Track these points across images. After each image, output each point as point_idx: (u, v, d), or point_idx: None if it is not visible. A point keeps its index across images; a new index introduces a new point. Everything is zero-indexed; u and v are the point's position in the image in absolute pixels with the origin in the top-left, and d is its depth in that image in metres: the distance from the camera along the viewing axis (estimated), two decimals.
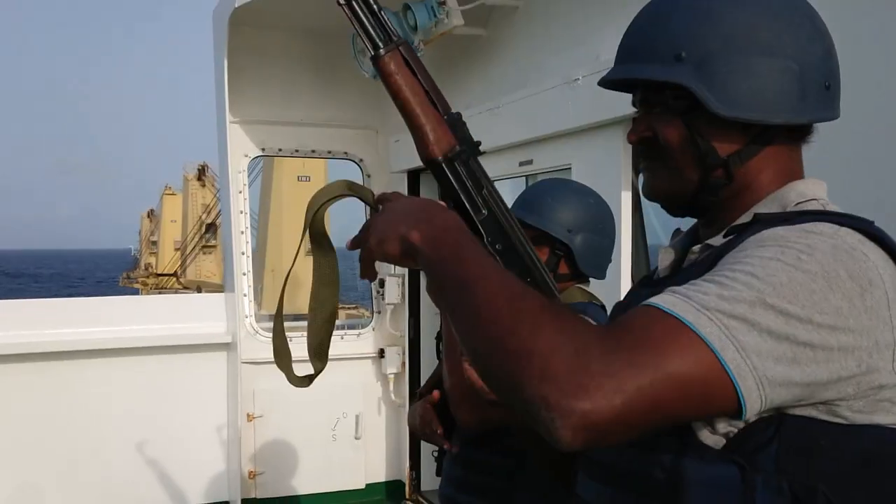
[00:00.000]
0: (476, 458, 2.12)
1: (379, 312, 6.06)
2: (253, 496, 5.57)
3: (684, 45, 1.10)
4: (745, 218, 1.11)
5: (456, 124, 1.25)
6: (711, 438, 0.99)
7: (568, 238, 2.14)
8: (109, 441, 5.32)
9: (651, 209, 5.22)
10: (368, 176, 6.16)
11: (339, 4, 1.23)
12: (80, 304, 5.79)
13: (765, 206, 1.12)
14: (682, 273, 1.12)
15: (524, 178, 4.22)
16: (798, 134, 1.15)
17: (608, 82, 1.23)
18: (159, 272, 40.08)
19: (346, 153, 6.15)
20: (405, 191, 5.76)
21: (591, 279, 2.26)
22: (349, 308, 19.79)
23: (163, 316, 5.68)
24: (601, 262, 2.23)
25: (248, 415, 5.55)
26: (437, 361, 2.30)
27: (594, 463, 1.17)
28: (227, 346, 5.63)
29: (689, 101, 1.10)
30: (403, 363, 5.93)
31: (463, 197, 1.24)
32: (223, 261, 6.94)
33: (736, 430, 0.97)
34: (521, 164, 4.15)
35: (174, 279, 35.79)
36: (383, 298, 5.92)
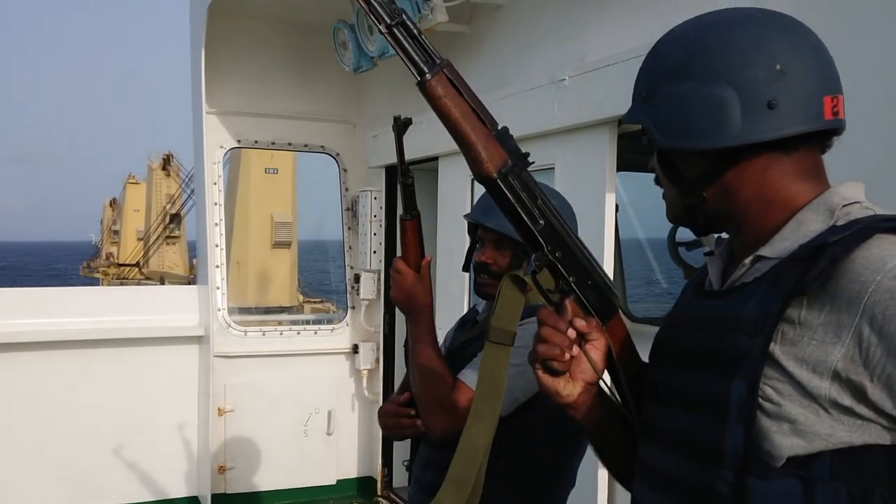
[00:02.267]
0: (447, 463, 2.10)
1: (353, 308, 6.02)
2: (223, 491, 5.52)
3: (643, 85, 1.22)
4: (795, 230, 1.13)
5: (504, 138, 1.28)
6: (773, 455, 1.03)
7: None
8: (77, 435, 5.23)
9: (630, 207, 5.28)
10: (345, 170, 6.13)
11: (382, 33, 1.25)
12: (48, 295, 5.67)
13: (811, 211, 1.14)
14: (741, 289, 1.14)
15: None
16: (785, 146, 1.15)
17: (626, 121, 1.30)
18: (121, 262, 39.45)
19: (322, 147, 6.11)
20: (382, 186, 5.74)
21: None
22: (315, 302, 19.72)
23: (133, 308, 5.59)
24: None
25: (219, 409, 5.49)
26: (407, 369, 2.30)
27: (654, 472, 1.19)
28: (198, 340, 5.57)
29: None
30: (377, 359, 5.91)
31: (521, 210, 1.28)
32: (196, 252, 6.86)
33: (798, 448, 1.02)
34: None
35: (136, 270, 35.25)
36: (358, 294, 5.89)
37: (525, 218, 1.28)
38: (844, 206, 1.12)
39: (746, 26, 1.16)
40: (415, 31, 1.25)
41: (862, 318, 1.00)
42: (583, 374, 1.26)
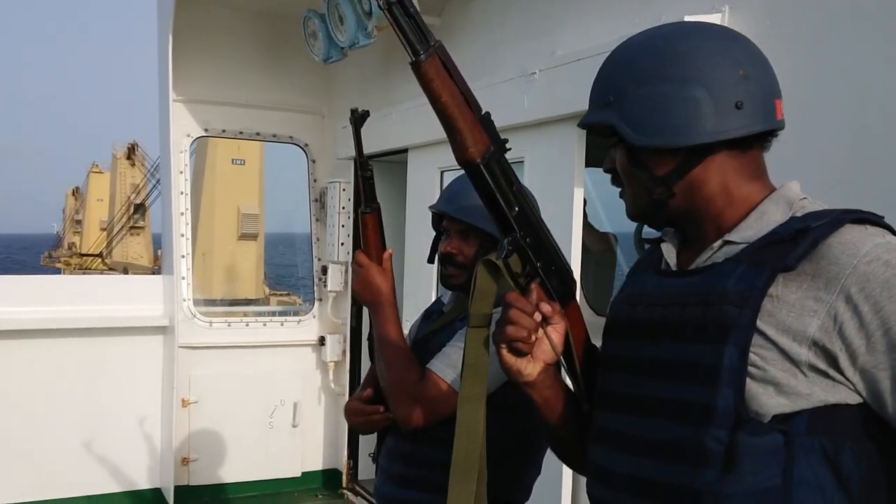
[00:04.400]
0: (416, 453, 2.11)
1: (320, 300, 6.00)
2: (186, 483, 5.47)
3: (610, 91, 1.29)
4: (758, 219, 1.25)
5: (487, 123, 1.32)
6: (760, 413, 1.14)
7: (494, 230, 2.13)
8: (39, 426, 5.16)
9: (598, 201, 5.32)
10: (313, 161, 6.09)
11: (382, 9, 1.26)
12: (10, 283, 5.57)
13: (772, 203, 1.27)
14: (713, 268, 1.24)
15: None
16: (741, 144, 1.26)
17: (585, 125, 1.38)
18: (84, 252, 38.88)
19: (291, 137, 6.07)
20: (351, 177, 5.72)
21: None
22: (281, 295, 19.61)
23: (97, 297, 5.52)
24: None
25: (184, 400, 5.44)
26: (371, 361, 2.29)
27: (623, 437, 1.29)
28: (163, 330, 5.51)
29: (619, 136, 1.29)
30: (344, 351, 5.89)
31: (499, 196, 1.33)
32: (161, 242, 6.78)
33: (783, 406, 1.14)
34: None
35: (99, 260, 34.77)
36: (325, 286, 5.86)
37: (502, 203, 1.33)
38: (800, 200, 1.26)
39: (708, 36, 1.27)
40: (412, 10, 1.27)
41: (839, 296, 1.12)
42: (543, 354, 1.34)
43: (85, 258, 36.76)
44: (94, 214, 44.55)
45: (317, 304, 6.03)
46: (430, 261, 2.31)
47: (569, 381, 1.44)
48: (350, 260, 5.74)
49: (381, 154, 5.09)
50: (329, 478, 6.02)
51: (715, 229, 1.28)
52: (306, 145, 6.10)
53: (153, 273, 22.55)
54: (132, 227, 35.78)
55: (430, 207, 2.29)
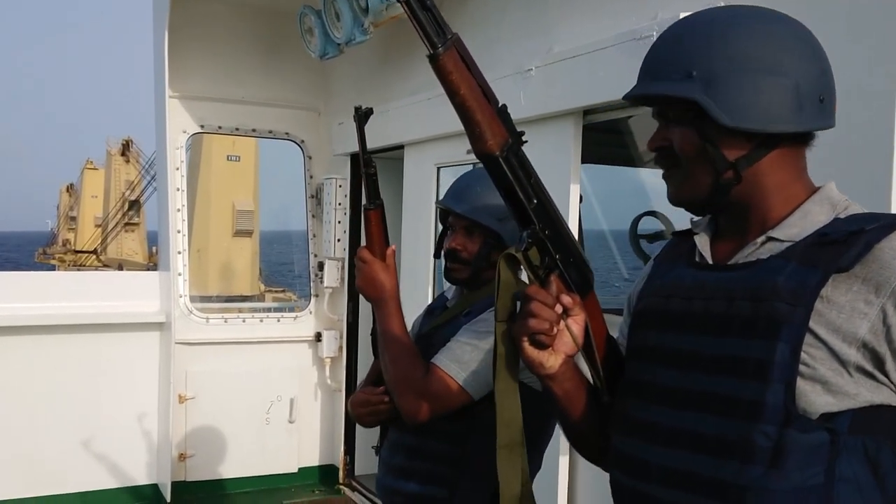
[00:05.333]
0: (419, 446, 2.13)
1: (317, 296, 6.01)
2: (183, 479, 5.48)
3: (695, 64, 1.25)
4: (802, 218, 1.26)
5: (504, 115, 1.31)
6: (809, 411, 1.16)
7: (498, 227, 2.16)
8: (36, 422, 5.16)
9: (594, 198, 5.33)
10: (310, 157, 6.10)
11: (399, 1, 1.25)
12: (5, 279, 5.56)
13: (815, 204, 1.28)
14: (758, 264, 1.25)
15: (471, 165, 4.24)
16: (801, 139, 1.29)
17: (630, 97, 1.34)
18: (78, 249, 38.78)
19: (287, 133, 6.07)
20: (347, 174, 5.74)
21: None
22: (277, 292, 19.59)
23: (94, 293, 5.52)
24: None
25: (180, 396, 5.45)
26: (374, 356, 2.31)
27: (656, 428, 1.29)
28: (160, 326, 5.51)
29: (698, 113, 1.25)
30: (341, 347, 5.90)
31: (517, 189, 1.32)
32: (157, 239, 6.77)
33: (830, 405, 1.15)
34: (469, 151, 4.14)
35: (94, 257, 34.69)
36: (322, 282, 5.87)
37: (521, 196, 1.32)
38: (843, 201, 1.28)
39: (795, 26, 1.29)
40: (428, 2, 1.25)
41: (889, 300, 1.15)
42: (564, 346, 1.35)
43: (79, 255, 36.68)
44: (89, 211, 44.46)
45: (313, 300, 6.04)
46: (437, 256, 2.33)
47: (587, 373, 1.44)
48: (346, 256, 5.75)
49: (378, 150, 5.09)
50: (325, 473, 6.03)
51: (760, 223, 1.29)
52: (302, 142, 6.10)
53: (148, 270, 22.54)
54: (127, 224, 35.70)
55: (438, 203, 2.32)
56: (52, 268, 35.34)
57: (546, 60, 3.53)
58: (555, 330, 1.31)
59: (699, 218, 1.41)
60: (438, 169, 4.57)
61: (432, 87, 4.46)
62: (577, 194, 3.49)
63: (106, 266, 31.83)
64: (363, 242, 2.17)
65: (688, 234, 1.42)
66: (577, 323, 1.35)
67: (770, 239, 1.26)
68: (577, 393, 1.41)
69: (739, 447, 1.17)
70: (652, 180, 5.03)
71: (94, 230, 39.36)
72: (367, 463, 5.78)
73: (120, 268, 28.68)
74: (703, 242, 1.36)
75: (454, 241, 2.20)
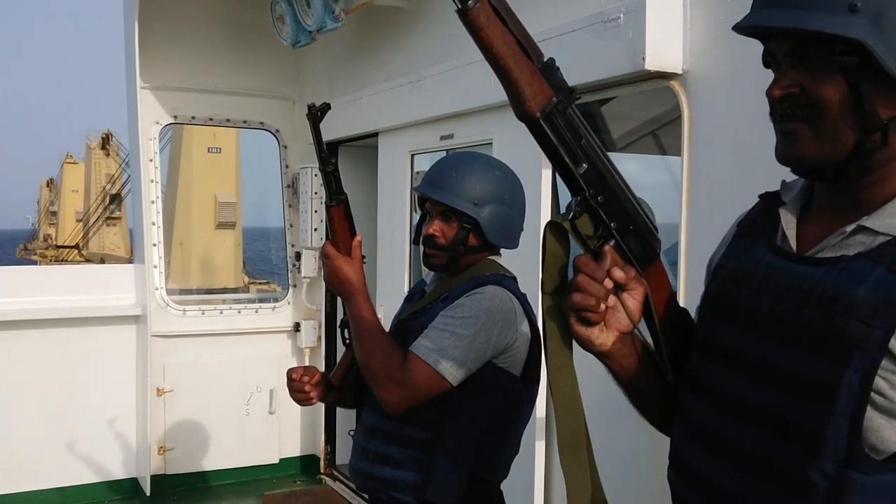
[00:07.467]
0: (395, 431, 2.13)
1: (295, 286, 5.98)
2: (163, 472, 5.46)
3: None
4: None
5: (549, 71, 1.17)
6: (879, 449, 1.00)
7: (475, 211, 2.16)
8: (12, 417, 5.12)
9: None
10: (285, 147, 6.06)
11: None
12: None
13: None
14: (841, 262, 1.06)
15: (445, 151, 4.23)
16: None
17: (750, 27, 1.12)
18: (59, 244, 38.51)
19: (262, 123, 6.02)
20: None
21: (505, 249, 2.29)
22: (261, 283, 19.52)
23: (68, 287, 5.47)
24: (511, 232, 2.25)
25: (158, 389, 5.42)
26: (345, 348, 2.31)
27: (712, 436, 1.17)
28: (136, 319, 5.48)
29: (859, 59, 1.02)
30: (319, 337, 5.89)
31: (563, 152, 1.17)
32: (132, 231, 6.72)
33: None
34: (443, 137, 4.14)
35: (76, 251, 34.46)
36: (299, 272, 5.85)
37: (567, 160, 1.17)
38: None
39: None
40: None
41: None
42: (618, 323, 1.21)
43: (61, 250, 36.43)
44: (70, 205, 44.10)
45: (291, 290, 6.01)
46: (416, 242, 2.33)
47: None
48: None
49: (352, 139, 5.06)
50: (307, 464, 6.02)
51: (867, 201, 1.09)
52: (277, 131, 6.06)
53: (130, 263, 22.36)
54: (108, 218, 35.48)
55: (414, 188, 2.31)
56: (34, 263, 35.06)
57: None
58: (602, 306, 1.16)
59: (792, 180, 1.20)
60: (413, 156, 4.55)
61: (404, 74, 4.44)
62: (550, 179, 3.48)
63: (88, 261, 31.59)
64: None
65: (776, 200, 1.23)
66: (633, 297, 1.21)
67: (862, 229, 1.06)
68: (637, 370, 1.27)
69: (795, 480, 1.03)
70: (627, 165, 5.03)
71: (76, 225, 39.10)
72: (348, 452, 5.72)
73: (102, 262, 28.49)
74: (787, 220, 1.17)
75: (431, 227, 2.20)
